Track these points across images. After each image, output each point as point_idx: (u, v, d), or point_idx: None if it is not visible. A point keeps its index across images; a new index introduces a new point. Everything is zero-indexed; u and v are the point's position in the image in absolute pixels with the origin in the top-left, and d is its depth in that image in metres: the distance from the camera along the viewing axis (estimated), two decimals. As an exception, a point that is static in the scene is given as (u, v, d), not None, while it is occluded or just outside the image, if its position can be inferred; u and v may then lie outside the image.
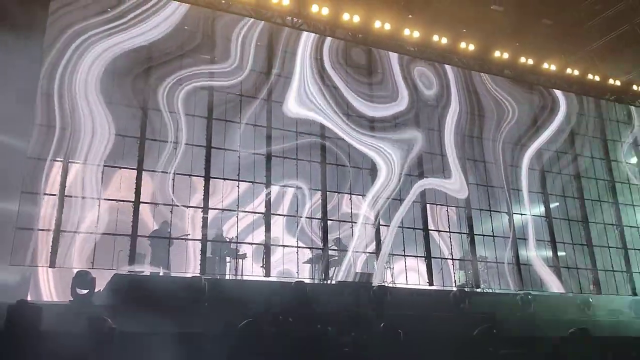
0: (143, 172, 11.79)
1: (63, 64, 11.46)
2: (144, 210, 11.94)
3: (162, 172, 11.92)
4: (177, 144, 12.19)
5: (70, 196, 10.98)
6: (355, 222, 13.73)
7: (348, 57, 15.07)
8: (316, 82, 14.23)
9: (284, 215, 13.45)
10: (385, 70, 15.40)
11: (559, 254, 15.63)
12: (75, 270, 9.40)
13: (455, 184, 15.02)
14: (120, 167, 11.89)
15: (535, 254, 15.24)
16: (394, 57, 15.53)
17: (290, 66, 14.15)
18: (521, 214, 15.66)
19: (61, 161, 11.09)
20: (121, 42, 12.13)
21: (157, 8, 12.70)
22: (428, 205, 14.74)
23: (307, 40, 14.50)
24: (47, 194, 10.89)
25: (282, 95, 13.75)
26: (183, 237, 12.04)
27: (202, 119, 12.72)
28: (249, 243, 12.97)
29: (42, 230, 10.62)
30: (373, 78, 15.26)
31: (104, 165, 11.45)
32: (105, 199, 11.27)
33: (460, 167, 15.20)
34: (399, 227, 13.86)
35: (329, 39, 14.74)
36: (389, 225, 13.85)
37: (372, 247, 13.65)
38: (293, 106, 13.66)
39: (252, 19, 13.77)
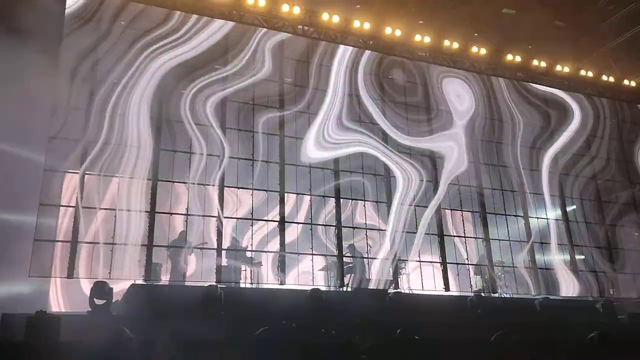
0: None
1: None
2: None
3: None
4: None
5: (88, 207, 11.11)
6: (370, 229, 13.80)
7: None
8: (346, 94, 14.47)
9: (299, 223, 13.49)
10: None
11: (578, 257, 15.44)
12: (81, 281, 9.49)
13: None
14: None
15: (556, 258, 15.09)
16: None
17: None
18: (537, 218, 15.50)
19: (77, 172, 11.22)
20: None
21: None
22: (444, 211, 14.69)
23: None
24: (65, 206, 11.06)
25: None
26: (199, 247, 12.10)
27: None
28: (264, 251, 13.02)
29: (61, 241, 10.75)
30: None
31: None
32: (121, 210, 11.35)
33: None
34: (412, 232, 13.80)
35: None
36: (406, 231, 13.82)
37: (392, 253, 13.58)
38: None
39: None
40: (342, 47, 14.75)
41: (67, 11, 11.87)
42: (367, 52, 15.04)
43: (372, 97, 14.70)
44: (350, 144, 14.00)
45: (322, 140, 13.76)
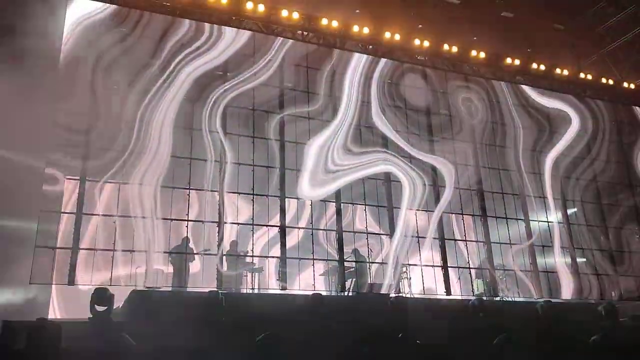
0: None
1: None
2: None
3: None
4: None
5: (87, 214, 11.12)
6: (372, 233, 13.84)
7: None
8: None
9: (300, 228, 13.48)
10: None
11: (580, 259, 15.42)
12: (81, 287, 9.47)
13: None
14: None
15: (558, 260, 15.08)
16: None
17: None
18: (538, 221, 15.49)
19: (77, 179, 11.23)
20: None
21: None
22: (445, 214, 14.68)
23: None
24: (66, 212, 11.08)
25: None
26: (201, 253, 12.09)
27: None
28: (264, 256, 13.01)
29: (62, 248, 10.74)
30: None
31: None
32: (120, 216, 11.34)
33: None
34: (414, 236, 13.80)
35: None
36: (410, 236, 13.81)
37: (395, 257, 13.55)
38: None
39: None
40: (356, 55, 14.81)
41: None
42: (382, 61, 15.08)
43: (382, 107, 14.71)
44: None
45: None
